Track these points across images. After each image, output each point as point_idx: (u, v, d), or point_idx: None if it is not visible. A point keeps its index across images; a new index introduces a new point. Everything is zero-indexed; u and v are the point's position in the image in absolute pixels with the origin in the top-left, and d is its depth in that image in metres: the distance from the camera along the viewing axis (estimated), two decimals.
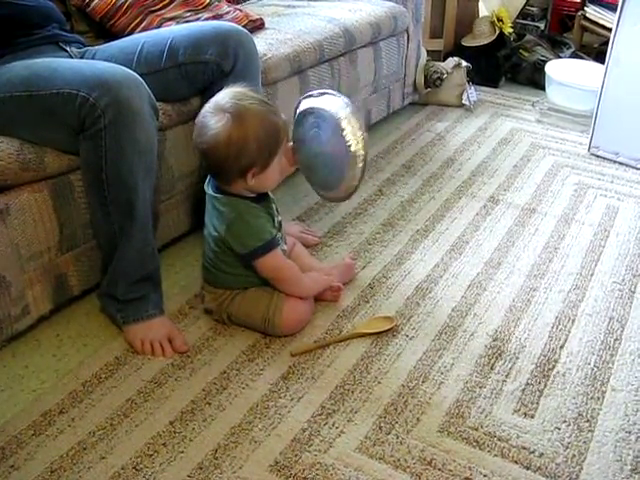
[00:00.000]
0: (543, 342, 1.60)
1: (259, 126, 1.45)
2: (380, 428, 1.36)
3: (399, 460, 1.28)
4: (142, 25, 1.99)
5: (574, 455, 1.30)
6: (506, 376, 1.50)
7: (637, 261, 1.91)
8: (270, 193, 1.63)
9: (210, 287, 1.63)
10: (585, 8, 3.39)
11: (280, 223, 1.65)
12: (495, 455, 1.30)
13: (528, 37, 3.39)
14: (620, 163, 2.49)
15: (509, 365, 1.53)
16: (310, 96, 1.69)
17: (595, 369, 1.52)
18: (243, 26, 1.94)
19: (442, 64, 2.96)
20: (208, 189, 1.57)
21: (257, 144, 1.45)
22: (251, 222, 1.53)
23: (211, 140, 1.45)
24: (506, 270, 1.86)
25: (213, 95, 1.55)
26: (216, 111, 1.45)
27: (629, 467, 1.28)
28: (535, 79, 3.23)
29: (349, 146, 1.59)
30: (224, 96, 1.48)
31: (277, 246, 1.55)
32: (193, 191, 1.87)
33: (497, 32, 3.19)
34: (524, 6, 3.48)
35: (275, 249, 1.55)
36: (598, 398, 1.44)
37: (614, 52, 2.38)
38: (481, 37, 3.23)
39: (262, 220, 1.54)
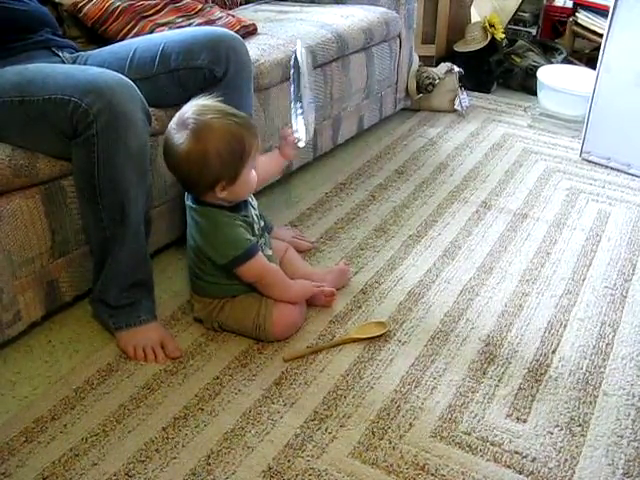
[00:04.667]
0: (535, 347, 1.60)
1: (219, 141, 1.43)
2: (373, 433, 1.36)
3: (392, 465, 1.28)
4: (134, 31, 1.99)
5: (566, 459, 1.31)
6: (498, 381, 1.50)
7: (629, 266, 1.92)
8: (252, 199, 1.63)
9: (198, 297, 1.63)
10: (576, 14, 3.41)
11: (263, 229, 1.64)
12: (488, 460, 1.30)
13: (520, 43, 3.40)
14: (612, 168, 2.50)
15: (501, 370, 1.53)
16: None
17: (587, 374, 1.53)
18: (236, 32, 1.94)
19: (434, 70, 2.97)
20: (187, 200, 1.57)
21: (219, 159, 1.44)
22: (227, 232, 1.52)
23: (174, 157, 1.47)
24: (498, 275, 1.87)
25: None
26: (178, 127, 1.46)
27: (621, 471, 1.28)
28: (527, 84, 3.24)
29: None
30: (187, 110, 1.47)
31: (257, 252, 1.55)
32: None
33: (489, 38, 3.20)
34: (516, 12, 3.49)
35: (255, 255, 1.54)
36: (590, 402, 1.45)
37: (605, 58, 2.39)
38: (473, 43, 3.24)
39: (239, 229, 1.53)
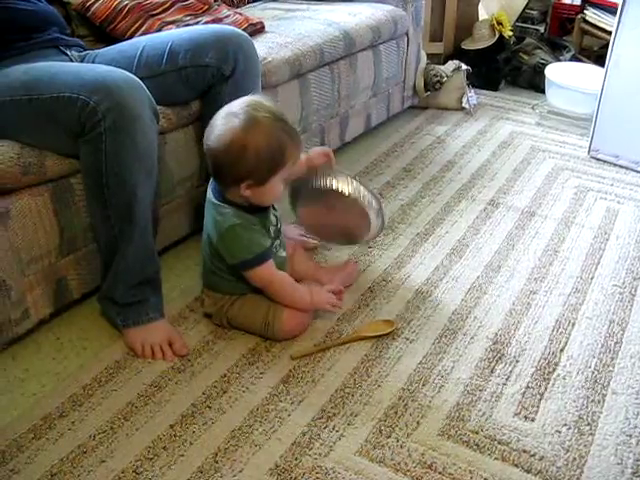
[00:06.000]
0: (543, 345, 1.60)
1: (263, 140, 1.43)
2: (380, 432, 1.36)
3: (399, 464, 1.28)
4: (142, 29, 1.99)
5: (575, 458, 1.30)
6: (506, 379, 1.50)
7: (637, 264, 1.91)
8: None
9: (210, 291, 1.63)
10: (585, 11, 3.39)
11: (279, 230, 1.64)
12: (495, 458, 1.30)
13: (528, 40, 3.39)
14: (620, 166, 2.49)
15: (509, 368, 1.53)
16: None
17: (596, 372, 1.52)
18: (243, 30, 1.95)
19: (442, 67, 2.97)
20: (209, 193, 1.57)
21: (256, 157, 1.43)
22: (243, 235, 1.51)
23: (214, 141, 1.46)
24: (506, 273, 1.86)
25: (213, 99, 1.56)
26: (228, 115, 1.45)
27: (630, 470, 1.28)
28: (535, 82, 3.23)
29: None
30: (242, 102, 1.47)
31: (268, 259, 1.54)
32: (193, 195, 1.87)
33: (497, 35, 3.20)
34: (524, 9, 3.48)
35: (266, 262, 1.53)
36: (599, 401, 1.44)
37: (614, 55, 2.38)
38: (481, 40, 3.23)
39: (255, 233, 1.53)
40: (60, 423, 1.37)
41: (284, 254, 1.66)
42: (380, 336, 1.61)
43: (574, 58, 3.35)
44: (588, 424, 1.38)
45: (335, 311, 1.66)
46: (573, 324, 1.67)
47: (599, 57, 3.21)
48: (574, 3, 3.55)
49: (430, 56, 3.07)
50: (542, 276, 1.85)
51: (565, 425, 1.38)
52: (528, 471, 1.27)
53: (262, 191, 1.49)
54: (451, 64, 2.98)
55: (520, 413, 1.41)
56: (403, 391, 1.46)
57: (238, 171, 1.46)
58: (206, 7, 2.18)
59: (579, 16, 3.43)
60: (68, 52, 1.72)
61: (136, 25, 2.00)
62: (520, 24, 3.57)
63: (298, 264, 1.74)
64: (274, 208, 1.62)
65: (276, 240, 1.61)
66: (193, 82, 1.72)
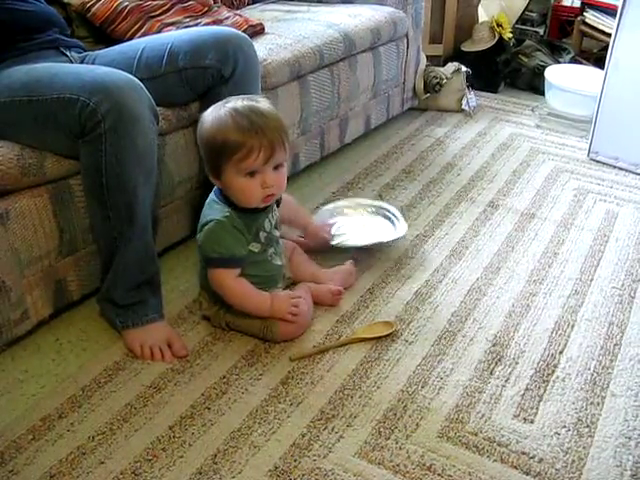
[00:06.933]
0: (543, 347, 1.60)
1: (210, 130, 1.47)
2: (379, 433, 1.36)
3: (398, 465, 1.28)
4: (142, 30, 1.99)
5: (574, 460, 1.30)
6: (505, 381, 1.50)
7: (636, 266, 1.91)
8: (274, 210, 1.61)
9: (206, 293, 1.63)
10: (584, 13, 3.40)
11: (273, 239, 1.62)
12: (495, 460, 1.30)
13: (527, 42, 3.39)
14: (619, 168, 2.49)
15: (508, 370, 1.53)
16: None
17: (595, 374, 1.52)
18: (243, 31, 1.95)
19: (441, 69, 2.97)
20: (212, 191, 1.58)
21: (202, 145, 1.52)
22: (218, 233, 1.51)
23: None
24: (505, 275, 1.86)
25: (213, 100, 1.56)
26: (219, 104, 1.51)
27: (629, 473, 1.28)
28: (534, 84, 3.23)
29: None
30: (233, 97, 1.52)
31: (231, 266, 1.53)
32: (193, 196, 1.87)
33: (496, 37, 3.19)
34: (523, 11, 3.49)
35: (229, 269, 1.53)
36: (598, 403, 1.44)
37: (613, 57, 2.38)
38: (481, 42, 3.23)
39: (229, 236, 1.51)
40: (59, 424, 1.36)
41: (279, 262, 1.64)
42: (379, 338, 1.61)
43: (574, 60, 3.35)
44: (587, 426, 1.38)
45: (295, 321, 1.59)
46: (572, 326, 1.67)
47: (598, 59, 3.21)
48: (574, 5, 3.55)
49: (430, 58, 3.07)
50: (541, 278, 1.85)
51: (564, 427, 1.38)
52: (527, 473, 1.27)
53: (225, 185, 1.51)
54: (451, 66, 2.98)
55: (519, 415, 1.41)
56: (402, 393, 1.46)
57: (201, 155, 1.54)
58: (206, 9, 2.19)
59: (579, 18, 3.43)
60: (68, 53, 1.73)
61: (136, 26, 2.00)
62: (520, 26, 3.57)
63: (297, 265, 1.74)
64: (272, 214, 1.61)
65: (270, 248, 1.60)
66: (193, 83, 1.72)
